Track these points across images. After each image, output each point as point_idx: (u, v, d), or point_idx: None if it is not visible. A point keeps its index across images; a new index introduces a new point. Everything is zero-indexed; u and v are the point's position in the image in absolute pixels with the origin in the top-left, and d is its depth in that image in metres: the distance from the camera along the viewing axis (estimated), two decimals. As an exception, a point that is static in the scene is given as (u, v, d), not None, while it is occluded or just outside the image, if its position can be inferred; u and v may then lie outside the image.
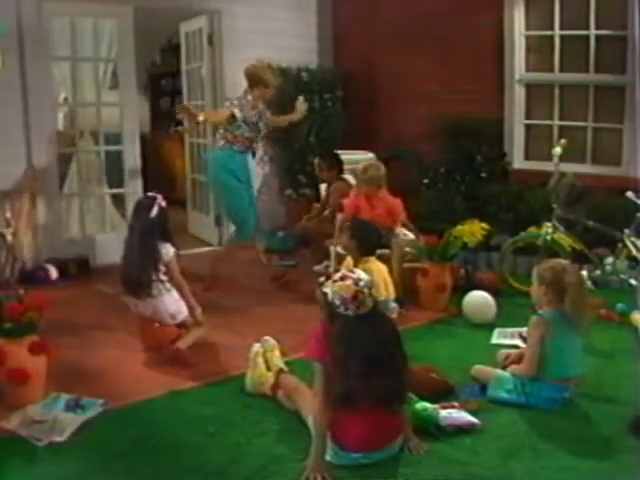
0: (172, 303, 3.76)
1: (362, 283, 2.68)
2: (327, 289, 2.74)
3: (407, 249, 4.72)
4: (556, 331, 3.15)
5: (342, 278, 2.71)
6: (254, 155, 5.31)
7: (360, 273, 2.77)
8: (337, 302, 2.67)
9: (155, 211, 3.75)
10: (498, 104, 5.96)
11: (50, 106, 5.62)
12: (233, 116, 4.95)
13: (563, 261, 3.44)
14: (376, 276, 3.82)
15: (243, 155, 5.09)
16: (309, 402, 2.82)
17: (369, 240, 4.23)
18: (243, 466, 2.68)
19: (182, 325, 3.82)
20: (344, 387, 2.58)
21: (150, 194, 3.91)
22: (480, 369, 3.37)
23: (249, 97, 5.06)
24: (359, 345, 2.63)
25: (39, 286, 4.88)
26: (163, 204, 3.80)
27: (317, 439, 2.63)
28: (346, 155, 5.89)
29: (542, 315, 3.23)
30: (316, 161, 5.76)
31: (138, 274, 3.69)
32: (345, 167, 5.73)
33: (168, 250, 3.77)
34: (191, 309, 3.87)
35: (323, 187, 5.92)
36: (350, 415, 2.62)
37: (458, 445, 2.82)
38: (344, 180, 5.62)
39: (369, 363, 2.61)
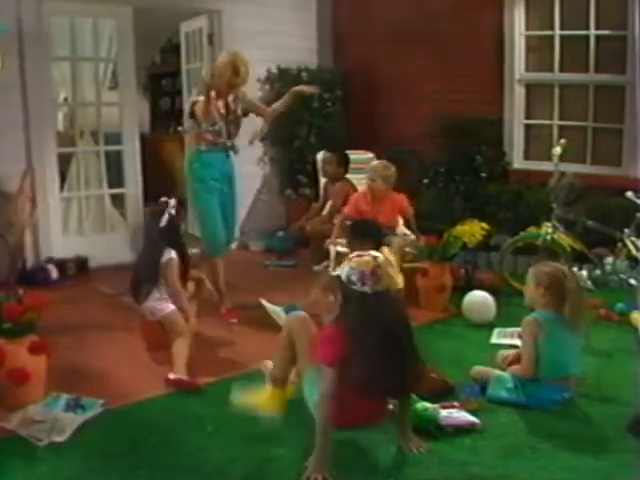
0: (153, 300, 3.72)
1: (379, 259, 2.68)
2: (339, 271, 2.72)
3: (407, 249, 4.72)
4: (551, 331, 3.16)
5: (359, 256, 2.70)
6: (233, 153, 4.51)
7: (376, 253, 2.77)
8: (354, 278, 2.63)
9: (165, 220, 3.74)
10: (498, 104, 5.96)
11: (50, 106, 5.61)
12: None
13: (561, 266, 3.44)
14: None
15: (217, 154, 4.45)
16: (307, 352, 2.81)
17: (370, 235, 4.20)
18: (242, 466, 2.68)
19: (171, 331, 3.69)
20: (364, 368, 2.55)
21: (163, 199, 3.88)
22: (480, 369, 3.37)
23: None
24: (376, 320, 2.61)
25: (39, 286, 4.89)
26: (173, 212, 3.78)
27: (321, 440, 2.60)
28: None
29: (535, 316, 3.23)
30: (322, 155, 5.65)
31: (142, 281, 3.71)
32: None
33: (166, 255, 3.72)
34: (186, 318, 3.74)
35: (322, 182, 5.85)
36: (349, 397, 2.60)
37: (458, 445, 2.82)
38: (348, 180, 5.58)
39: (387, 339, 2.59)
